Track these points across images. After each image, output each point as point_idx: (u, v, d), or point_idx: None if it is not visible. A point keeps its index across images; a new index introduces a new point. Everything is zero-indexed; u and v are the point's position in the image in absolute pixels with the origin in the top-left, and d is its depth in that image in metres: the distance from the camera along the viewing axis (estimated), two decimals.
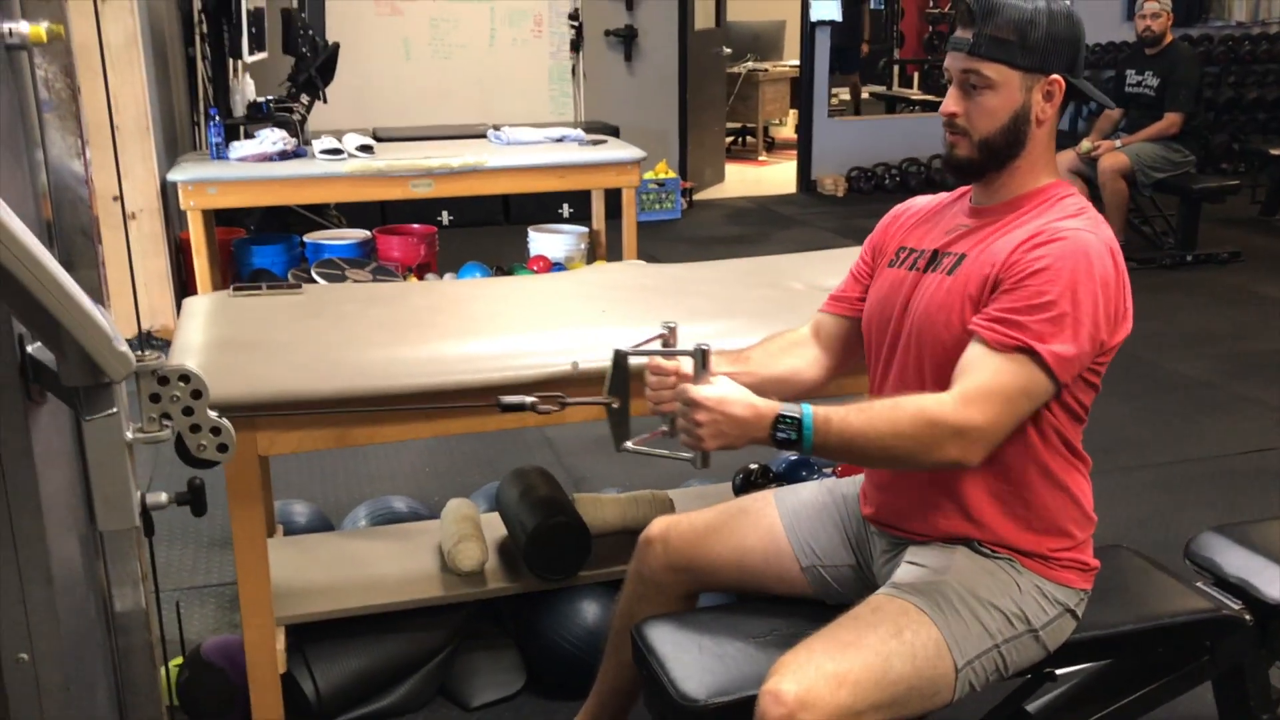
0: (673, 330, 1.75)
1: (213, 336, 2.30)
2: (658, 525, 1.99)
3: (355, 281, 4.94)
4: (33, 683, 1.37)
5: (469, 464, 3.64)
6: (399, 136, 6.42)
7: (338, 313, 2.49)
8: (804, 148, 8.66)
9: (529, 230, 5.74)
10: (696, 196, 8.28)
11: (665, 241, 6.85)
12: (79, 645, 1.42)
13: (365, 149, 4.91)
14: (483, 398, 2.11)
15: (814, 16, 8.30)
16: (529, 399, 1.79)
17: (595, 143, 5.10)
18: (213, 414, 1.50)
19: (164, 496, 1.52)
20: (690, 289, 2.69)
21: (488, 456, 3.69)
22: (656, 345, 1.76)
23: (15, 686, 1.37)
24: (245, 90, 5.58)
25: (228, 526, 2.30)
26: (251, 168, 4.72)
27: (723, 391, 1.58)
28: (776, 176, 9.40)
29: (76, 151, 1.37)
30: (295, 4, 6.04)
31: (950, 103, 1.73)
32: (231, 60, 5.49)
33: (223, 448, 1.52)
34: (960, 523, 1.73)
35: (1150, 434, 3.98)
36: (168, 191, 4.83)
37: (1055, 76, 1.69)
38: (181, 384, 1.48)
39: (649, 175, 7.62)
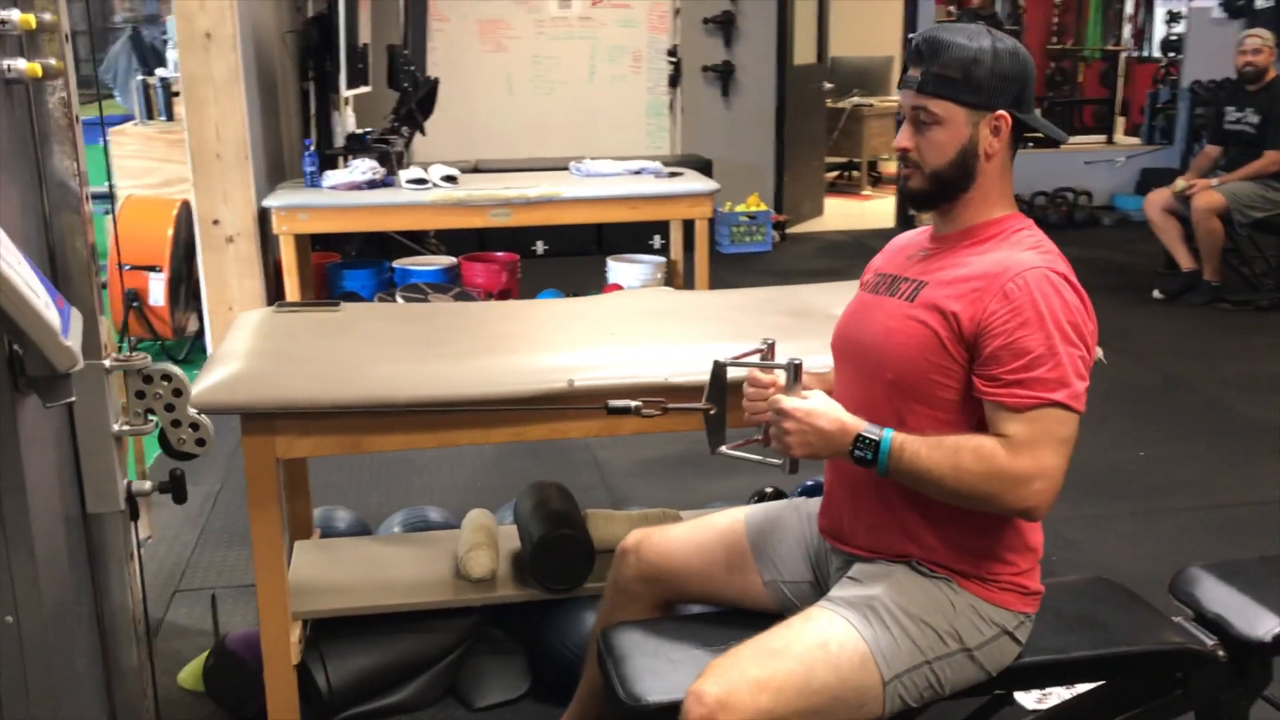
0: (771, 346, 1.86)
1: (248, 347, 2.47)
2: (633, 537, 2.09)
3: (435, 302, 5.15)
4: (17, 642, 1.53)
5: (517, 481, 3.77)
6: (499, 168, 6.68)
7: (365, 329, 2.65)
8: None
9: (608, 260, 5.89)
10: (792, 230, 8.34)
11: (752, 274, 6.92)
12: (62, 615, 1.58)
13: (449, 179, 5.13)
14: (482, 409, 2.25)
15: None
16: (634, 403, 1.93)
17: (672, 175, 5.23)
18: (193, 411, 1.66)
19: (148, 484, 1.69)
20: (707, 314, 2.78)
21: (536, 474, 3.82)
22: (755, 359, 1.87)
23: (2, 645, 1.54)
24: (346, 122, 5.88)
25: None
26: (341, 195, 4.98)
27: (812, 405, 1.70)
28: (878, 211, 9.40)
29: (73, 174, 1.54)
30: (401, 41, 6.35)
31: (903, 138, 1.80)
32: (334, 94, 5.79)
33: (200, 442, 1.69)
34: (902, 541, 1.79)
35: (1213, 476, 3.90)
36: (266, 217, 5.12)
37: (1001, 112, 1.75)
38: (165, 383, 1.65)
39: (740, 208, 7.72)
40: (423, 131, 6.68)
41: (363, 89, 6.05)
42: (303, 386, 2.26)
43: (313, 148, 5.16)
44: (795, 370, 1.76)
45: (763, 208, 7.81)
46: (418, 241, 6.87)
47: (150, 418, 1.65)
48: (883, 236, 8.20)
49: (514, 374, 2.31)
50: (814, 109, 8.88)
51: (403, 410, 2.24)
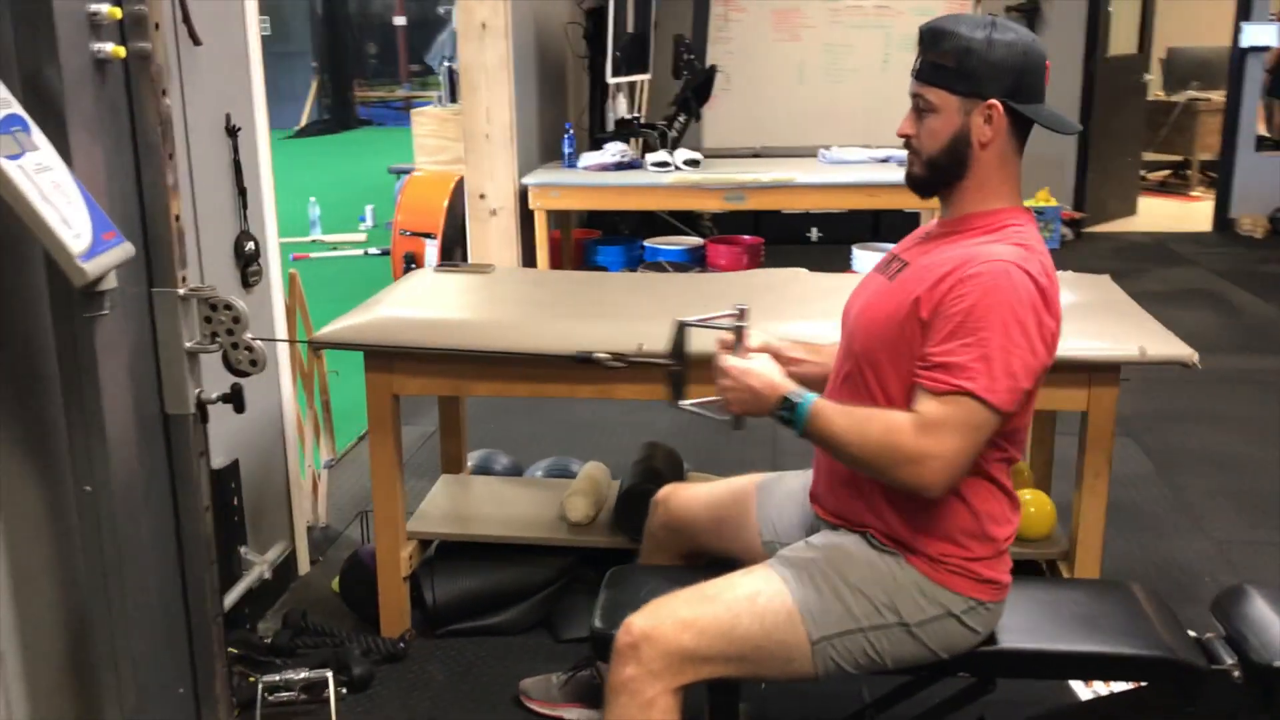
0: (743, 312, 1.94)
1: (395, 298, 2.83)
2: (665, 490, 2.25)
3: None
4: (94, 508, 1.93)
5: (686, 450, 3.96)
6: (780, 153, 6.83)
7: (502, 290, 2.95)
8: (1223, 183, 8.01)
9: (852, 248, 5.93)
10: (1092, 228, 7.94)
11: None
12: (133, 492, 1.96)
13: (692, 163, 5.37)
14: (558, 362, 2.47)
15: (1245, 41, 7.66)
16: (599, 354, 2.13)
17: None
18: (248, 337, 2.00)
19: (215, 394, 2.05)
20: (812, 294, 2.87)
21: (707, 447, 3.99)
22: (726, 322, 1.95)
23: (83, 509, 1.94)
24: (617, 107, 6.24)
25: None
26: (589, 175, 5.35)
27: (748, 364, 1.82)
28: (1198, 213, 8.73)
29: (157, 139, 1.91)
30: (689, 32, 6.67)
31: (905, 124, 1.84)
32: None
33: (254, 363, 2.03)
34: (863, 512, 1.85)
35: None
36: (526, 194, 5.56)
37: (992, 101, 1.76)
38: (227, 311, 1.99)
39: (1028, 203, 7.45)
40: (697, 117, 6.95)
41: (639, 76, 6.40)
42: (413, 332, 2.58)
43: (571, 131, 5.55)
44: (739, 332, 1.86)
45: (1052, 203, 7.49)
46: (690, 224, 7.16)
47: (216, 340, 2.00)
48: (1191, 241, 7.74)
49: (594, 335, 2.50)
50: (1130, 102, 8.37)
51: (494, 359, 2.50)
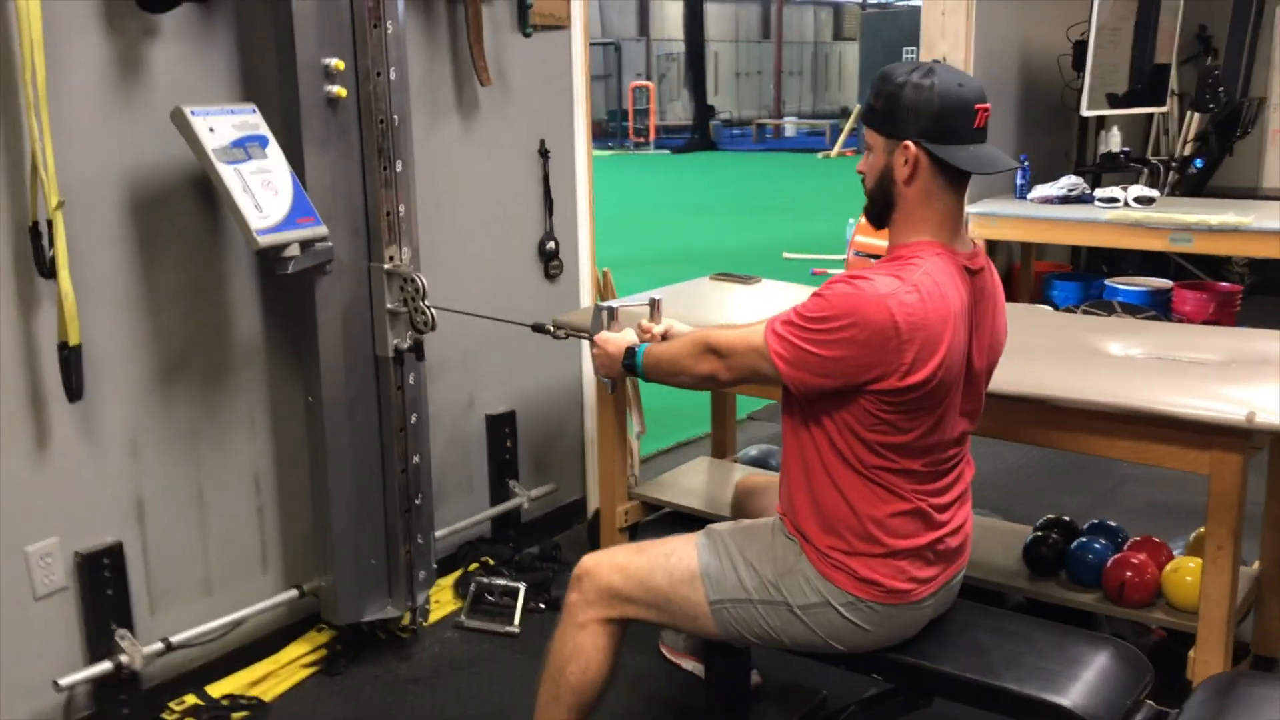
0: (655, 302, 2.33)
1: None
2: (740, 479, 2.56)
3: None
4: (317, 414, 2.73)
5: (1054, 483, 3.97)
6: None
7: (759, 299, 3.32)
8: None
9: None
10: None
11: None
12: (338, 405, 2.73)
13: (1144, 201, 5.13)
14: None
15: None
16: (547, 324, 2.61)
17: None
18: (425, 304, 2.69)
19: (406, 343, 2.75)
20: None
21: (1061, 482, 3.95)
22: (629, 305, 2.45)
23: (308, 415, 2.75)
24: (1108, 140, 6.06)
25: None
26: (1031, 207, 5.35)
27: (607, 334, 2.25)
28: None
29: (375, 155, 2.65)
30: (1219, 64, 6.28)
31: (860, 162, 2.03)
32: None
33: (428, 324, 2.70)
34: (785, 502, 2.06)
35: None
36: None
37: (907, 142, 1.89)
38: (412, 284, 2.70)
39: None
40: (1226, 153, 6.48)
41: (1143, 109, 6.16)
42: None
43: (1027, 162, 5.56)
44: (610, 312, 2.27)
45: None
46: (1221, 266, 6.64)
47: (403, 305, 2.70)
48: None
49: None
50: None
51: None
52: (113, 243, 2.48)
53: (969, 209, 5.46)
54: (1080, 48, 5.77)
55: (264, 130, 2.53)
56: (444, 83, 3.13)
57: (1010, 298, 6.05)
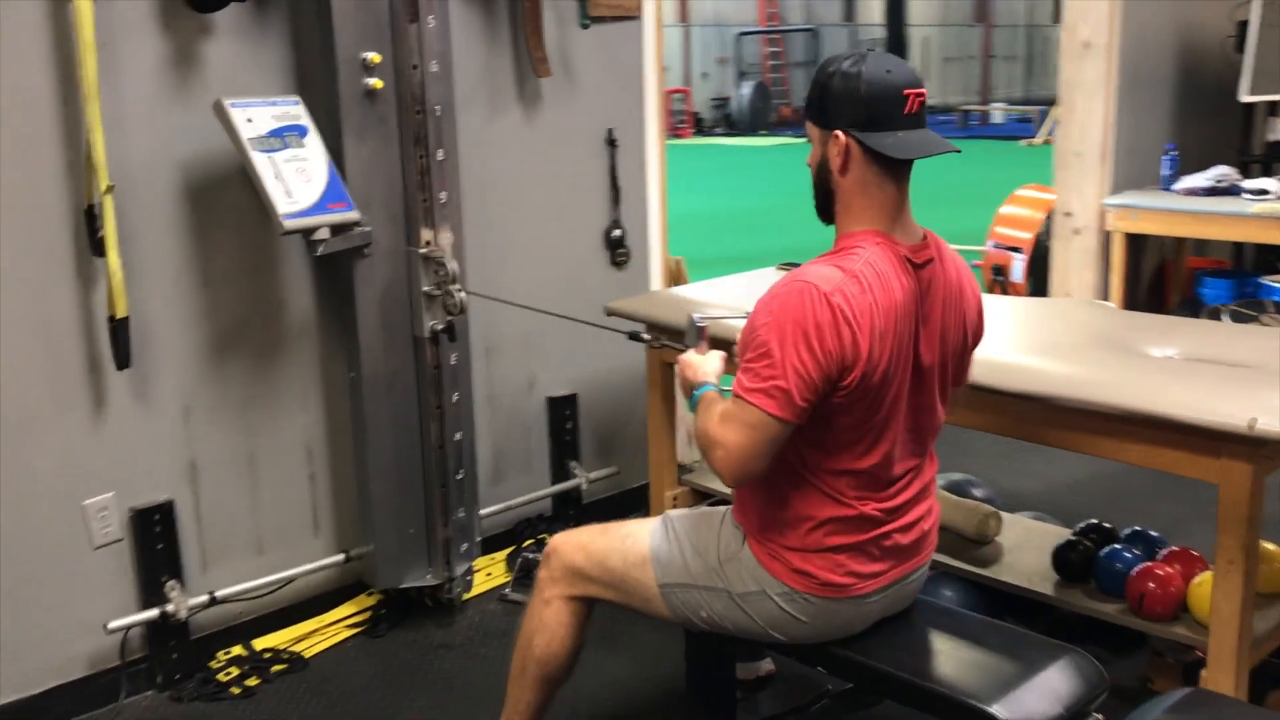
0: (702, 330, 2.22)
1: (715, 284, 3.37)
2: None
3: (1263, 325, 4.89)
4: (358, 386, 2.90)
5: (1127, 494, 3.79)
6: None
7: None
8: None
9: None
10: None
11: None
12: (376, 380, 2.88)
13: None
14: None
15: None
16: (640, 330, 2.58)
17: None
18: (454, 288, 2.81)
19: (440, 324, 2.88)
20: (1072, 329, 2.78)
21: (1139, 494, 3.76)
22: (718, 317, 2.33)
23: (352, 393, 2.92)
24: (1274, 128, 5.64)
25: None
26: (1175, 200, 5.05)
27: (688, 358, 2.15)
28: None
29: (414, 142, 2.78)
30: None
31: (809, 155, 2.00)
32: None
33: (457, 307, 2.82)
34: (736, 496, 2.06)
35: None
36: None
37: (837, 131, 1.87)
38: (443, 269, 2.82)
39: None
40: None
41: None
42: (673, 309, 3.12)
43: (1174, 152, 5.24)
44: (699, 330, 2.16)
45: None
46: None
47: (437, 288, 2.82)
48: None
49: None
50: None
51: None
52: (167, 225, 2.69)
53: (1107, 200, 5.21)
54: (1242, 28, 5.39)
55: (305, 121, 2.69)
56: (504, 74, 3.24)
57: (1161, 296, 5.75)
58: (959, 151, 1.92)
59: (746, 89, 23.29)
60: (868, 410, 1.87)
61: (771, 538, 1.97)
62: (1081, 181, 5.42)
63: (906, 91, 1.84)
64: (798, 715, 2.42)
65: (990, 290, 5.89)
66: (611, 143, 3.50)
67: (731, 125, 22.72)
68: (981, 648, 1.99)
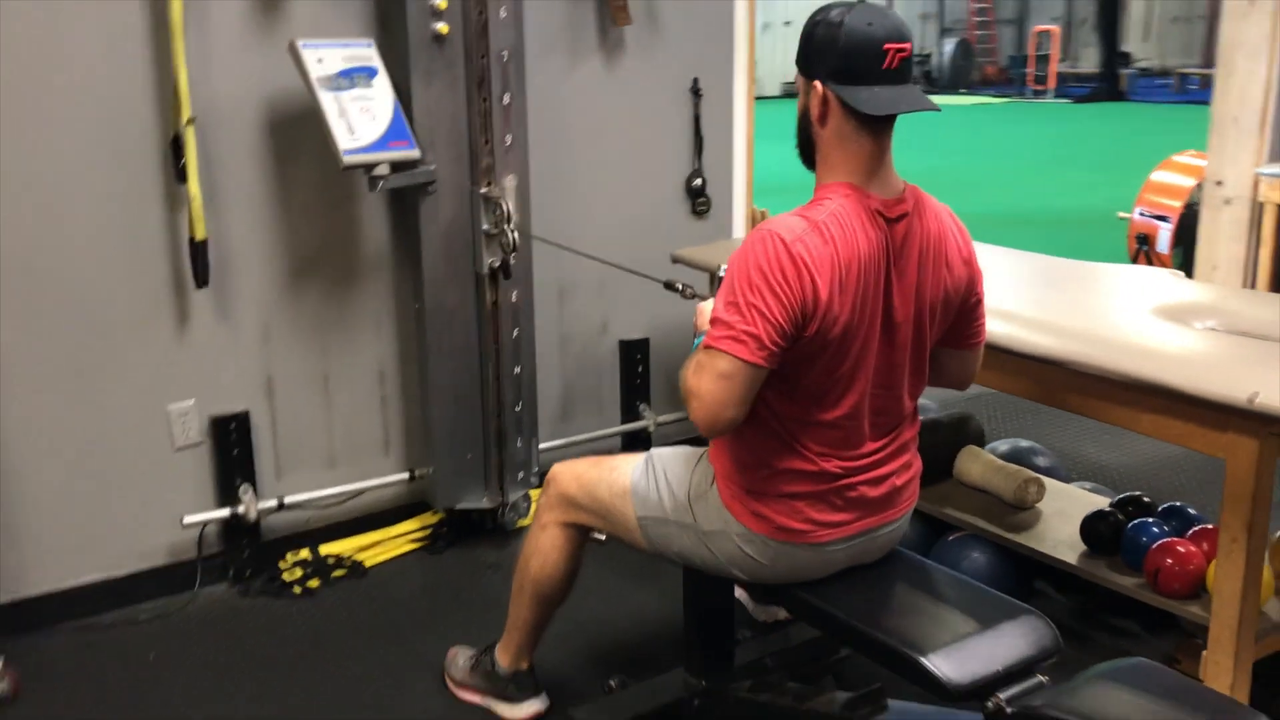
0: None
1: None
2: None
3: None
4: (424, 318, 3.07)
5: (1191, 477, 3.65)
6: None
7: None
8: None
9: None
10: None
11: None
12: (440, 312, 3.04)
13: None
14: None
15: None
16: (680, 284, 2.60)
17: None
18: (509, 228, 2.94)
19: (496, 262, 3.02)
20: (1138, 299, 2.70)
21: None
22: None
23: (418, 322, 3.10)
24: None
25: None
26: None
27: (701, 306, 2.19)
28: None
29: (477, 86, 2.90)
30: None
31: (798, 103, 2.01)
32: None
33: (509, 245, 2.95)
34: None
35: None
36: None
37: (816, 82, 1.88)
38: (498, 209, 2.95)
39: None
40: None
41: None
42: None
43: None
44: (720, 280, 2.21)
45: None
46: None
47: (495, 227, 2.95)
48: None
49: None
50: None
51: None
52: (250, 157, 2.91)
53: (1261, 169, 4.91)
54: None
55: (375, 63, 2.85)
56: (586, 24, 3.33)
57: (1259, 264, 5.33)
58: (939, 110, 1.90)
59: (949, 46, 22.60)
60: (832, 360, 1.89)
61: (735, 480, 2.02)
62: (1236, 149, 5.12)
63: (887, 46, 1.83)
64: (788, 656, 2.46)
65: (1135, 260, 5.64)
66: (696, 92, 3.54)
67: (931, 82, 22.09)
68: (941, 602, 2.00)
